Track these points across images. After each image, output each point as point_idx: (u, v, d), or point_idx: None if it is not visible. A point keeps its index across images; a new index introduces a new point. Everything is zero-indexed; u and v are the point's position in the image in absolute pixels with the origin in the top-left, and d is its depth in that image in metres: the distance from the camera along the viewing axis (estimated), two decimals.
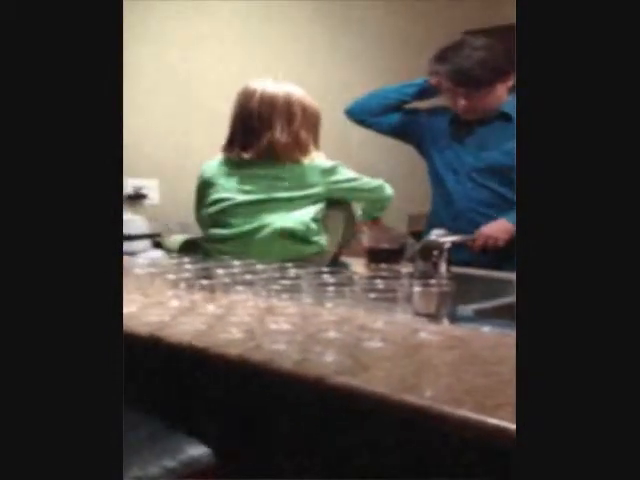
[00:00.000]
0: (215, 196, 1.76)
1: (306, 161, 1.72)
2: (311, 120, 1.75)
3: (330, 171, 1.74)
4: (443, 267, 1.11)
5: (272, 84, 1.75)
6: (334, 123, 2.42)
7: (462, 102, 1.96)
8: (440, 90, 2.02)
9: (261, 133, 1.70)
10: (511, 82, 1.98)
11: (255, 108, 1.71)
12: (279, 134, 1.69)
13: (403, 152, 3.38)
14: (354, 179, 1.79)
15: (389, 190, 1.86)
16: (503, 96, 2.01)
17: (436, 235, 1.15)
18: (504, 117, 2.02)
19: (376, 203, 1.88)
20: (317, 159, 1.74)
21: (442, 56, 1.96)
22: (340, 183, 1.76)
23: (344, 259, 1.88)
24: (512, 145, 1.93)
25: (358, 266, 1.77)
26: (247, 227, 1.70)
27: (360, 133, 3.11)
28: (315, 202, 1.74)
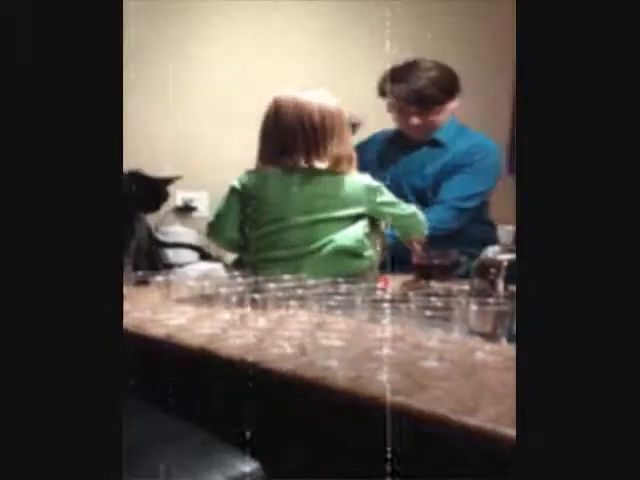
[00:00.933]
0: (268, 216, 1.73)
1: (349, 176, 1.72)
2: (348, 130, 1.77)
3: (375, 191, 1.75)
4: (501, 285, 1.09)
5: (323, 96, 1.73)
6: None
7: (415, 121, 2.14)
8: (392, 110, 2.17)
9: (320, 145, 1.70)
10: (455, 104, 2.20)
11: (315, 121, 1.69)
12: (337, 146, 1.70)
13: None
14: (395, 203, 1.79)
15: (421, 216, 1.86)
16: (447, 117, 2.20)
17: (493, 252, 1.13)
18: (434, 142, 2.22)
19: (409, 229, 1.87)
20: (360, 175, 1.75)
21: (396, 76, 2.11)
22: (384, 205, 1.76)
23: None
24: (431, 169, 2.19)
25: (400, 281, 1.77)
26: (302, 249, 1.68)
27: None
28: (360, 219, 1.74)
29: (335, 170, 1.70)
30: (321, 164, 1.70)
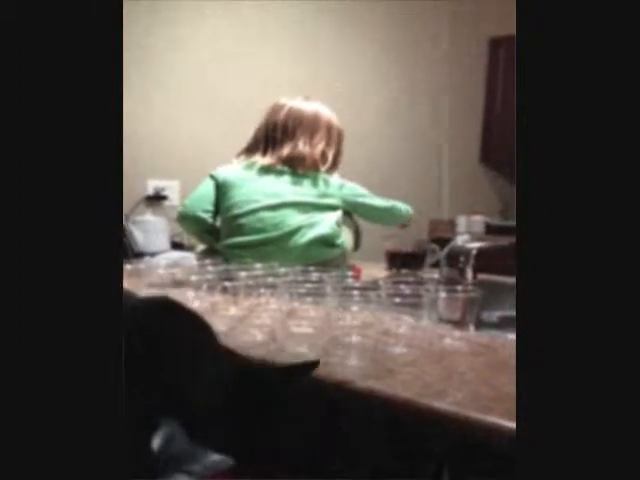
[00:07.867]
0: (237, 199, 1.78)
1: (325, 175, 1.81)
2: (334, 138, 1.84)
3: (342, 185, 1.83)
4: (469, 273, 1.10)
5: (302, 101, 1.84)
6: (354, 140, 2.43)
7: None
8: None
9: (283, 143, 1.78)
10: None
11: (281, 120, 1.79)
12: (301, 146, 1.77)
13: (421, 160, 3.39)
14: (363, 195, 1.86)
15: (403, 212, 1.90)
16: None
17: (462, 241, 1.14)
18: None
19: (388, 223, 1.93)
20: (334, 176, 1.84)
21: None
22: (350, 196, 1.83)
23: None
24: None
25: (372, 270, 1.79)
26: (271, 234, 1.74)
27: (379, 146, 3.12)
28: (331, 209, 1.80)
29: (302, 168, 1.77)
30: (272, 159, 1.77)
